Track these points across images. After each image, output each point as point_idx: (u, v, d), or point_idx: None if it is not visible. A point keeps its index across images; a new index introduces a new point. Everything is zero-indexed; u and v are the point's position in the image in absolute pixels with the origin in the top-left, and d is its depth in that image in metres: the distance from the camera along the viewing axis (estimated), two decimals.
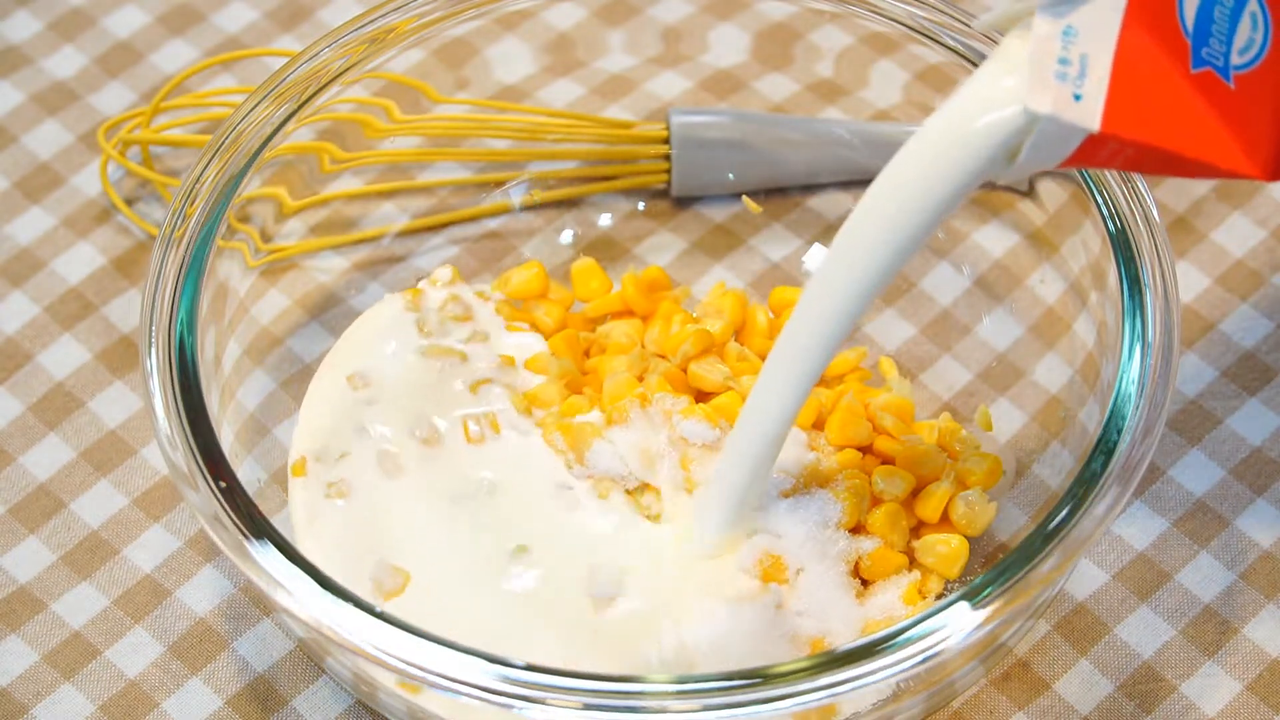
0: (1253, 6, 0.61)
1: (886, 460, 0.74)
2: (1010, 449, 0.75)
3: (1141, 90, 0.62)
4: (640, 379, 0.75)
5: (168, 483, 0.77)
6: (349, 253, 0.81)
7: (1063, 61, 0.63)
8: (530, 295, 0.78)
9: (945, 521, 0.73)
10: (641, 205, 0.82)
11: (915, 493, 0.73)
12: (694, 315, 0.77)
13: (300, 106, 0.75)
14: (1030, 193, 0.78)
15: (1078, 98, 0.62)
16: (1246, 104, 0.61)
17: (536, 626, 0.69)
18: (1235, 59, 0.61)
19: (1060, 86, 0.62)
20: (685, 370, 0.76)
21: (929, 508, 0.73)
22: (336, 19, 0.88)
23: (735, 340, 0.77)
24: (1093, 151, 0.63)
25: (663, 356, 0.76)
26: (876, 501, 0.73)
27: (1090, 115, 0.62)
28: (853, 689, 0.63)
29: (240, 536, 0.66)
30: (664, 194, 0.83)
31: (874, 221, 0.65)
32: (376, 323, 0.77)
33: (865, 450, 0.74)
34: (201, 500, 0.67)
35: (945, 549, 0.72)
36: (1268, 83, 0.61)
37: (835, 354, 0.67)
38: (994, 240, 0.80)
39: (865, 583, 0.72)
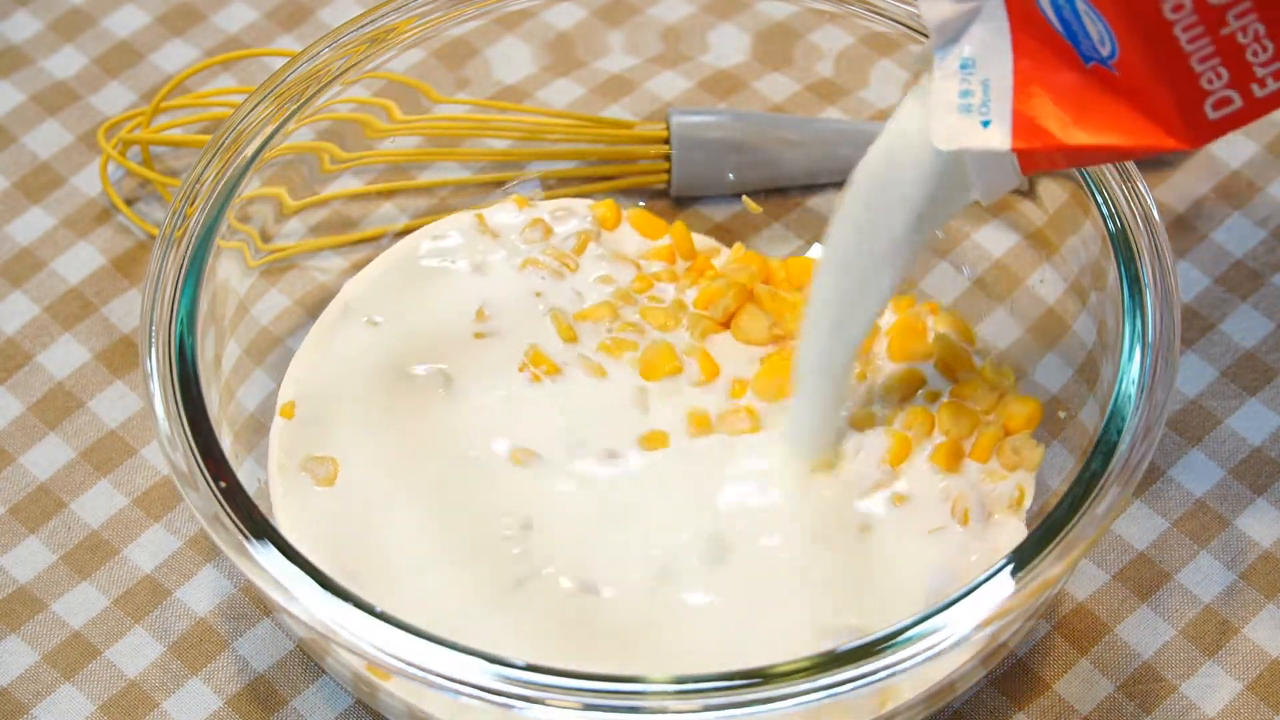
0: (1082, 5, 0.62)
1: (947, 379, 0.75)
2: None
3: (1046, 98, 0.64)
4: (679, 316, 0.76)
5: (168, 483, 0.77)
6: (349, 253, 0.81)
7: (965, 94, 0.65)
8: (607, 226, 0.79)
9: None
10: (641, 205, 0.82)
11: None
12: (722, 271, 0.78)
13: (300, 106, 0.75)
14: (1030, 193, 0.78)
15: (985, 124, 0.64)
16: (1138, 86, 0.62)
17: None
18: (1103, 52, 0.63)
19: (965, 119, 0.64)
20: (728, 325, 0.76)
21: (980, 448, 0.73)
22: (336, 19, 0.88)
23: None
24: (1034, 161, 0.65)
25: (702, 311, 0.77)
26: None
27: (1000, 138, 0.64)
28: (853, 689, 0.63)
29: (240, 536, 0.66)
30: (664, 194, 0.83)
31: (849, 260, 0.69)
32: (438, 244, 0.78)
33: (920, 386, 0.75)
34: (201, 500, 0.67)
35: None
36: (1142, 65, 0.62)
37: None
38: (994, 240, 0.80)
39: None
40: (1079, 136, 0.63)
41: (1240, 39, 0.61)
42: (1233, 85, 0.62)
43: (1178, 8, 0.61)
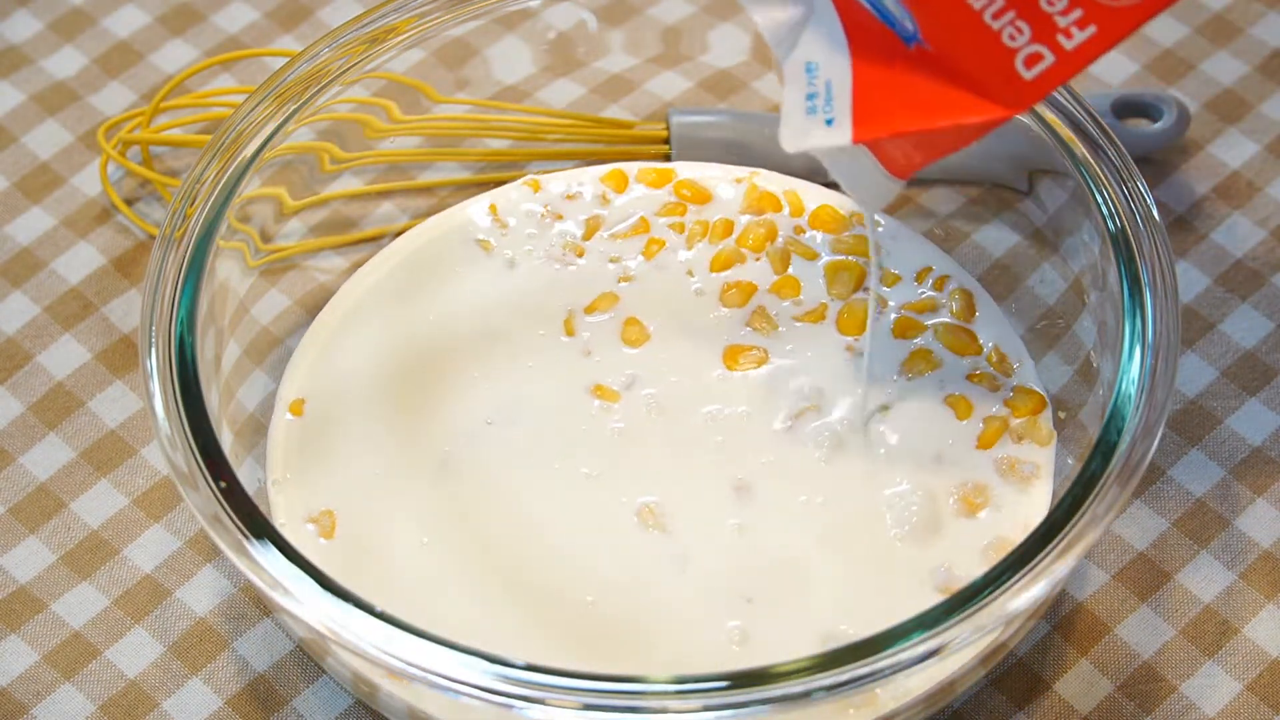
0: None
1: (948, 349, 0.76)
2: None
3: (881, 91, 0.65)
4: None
5: (168, 483, 0.77)
6: (349, 253, 0.81)
7: (810, 97, 0.66)
8: (617, 188, 0.80)
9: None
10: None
11: None
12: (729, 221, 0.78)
13: (300, 106, 0.75)
14: (1030, 193, 0.78)
15: (829, 122, 0.65)
16: (951, 55, 0.63)
17: None
18: (910, 29, 0.63)
19: (810, 120, 0.66)
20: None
21: (988, 435, 0.73)
22: (336, 19, 0.88)
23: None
24: (889, 154, 0.66)
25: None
26: None
27: (842, 133, 0.65)
28: (853, 689, 0.63)
29: (240, 536, 0.66)
30: None
31: None
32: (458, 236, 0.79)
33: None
34: (201, 500, 0.67)
35: None
36: (943, 33, 0.63)
37: None
38: (994, 240, 0.80)
39: None
40: (913, 122, 0.64)
41: None
42: (1038, 39, 0.62)
43: None
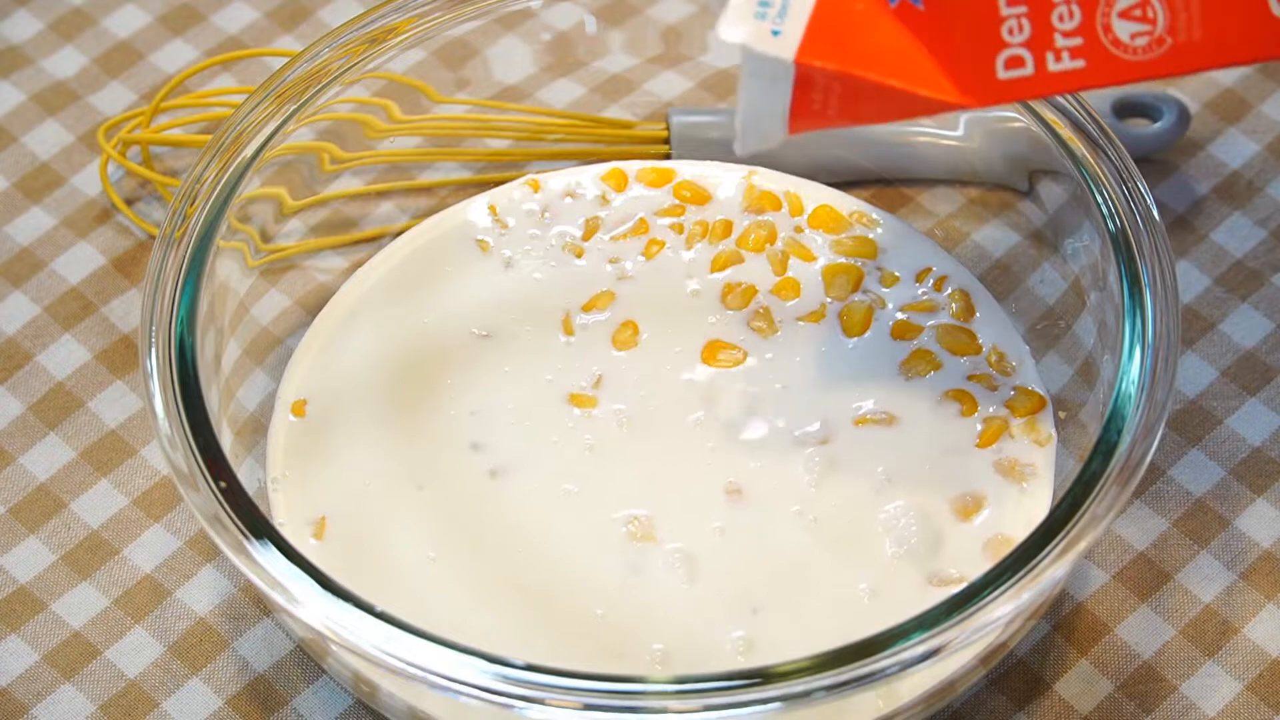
0: None
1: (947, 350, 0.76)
2: None
3: (842, 27, 0.63)
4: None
5: (168, 483, 0.77)
6: (349, 253, 0.81)
7: (764, 4, 0.64)
8: (617, 187, 0.80)
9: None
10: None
11: None
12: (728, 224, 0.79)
13: (300, 106, 0.75)
14: (1030, 193, 0.78)
15: (776, 33, 0.64)
16: (942, 27, 0.61)
17: None
18: None
19: (758, 23, 0.64)
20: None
21: (987, 435, 0.73)
22: (336, 19, 0.88)
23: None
24: (810, 96, 0.64)
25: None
26: None
27: (786, 47, 0.63)
28: (853, 689, 0.63)
29: (240, 537, 0.66)
30: None
31: None
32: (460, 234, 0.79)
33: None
34: (201, 500, 0.67)
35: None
36: (952, 2, 0.61)
37: None
38: (994, 240, 0.80)
39: None
40: (863, 67, 0.63)
41: None
42: (1030, 45, 0.60)
43: None
